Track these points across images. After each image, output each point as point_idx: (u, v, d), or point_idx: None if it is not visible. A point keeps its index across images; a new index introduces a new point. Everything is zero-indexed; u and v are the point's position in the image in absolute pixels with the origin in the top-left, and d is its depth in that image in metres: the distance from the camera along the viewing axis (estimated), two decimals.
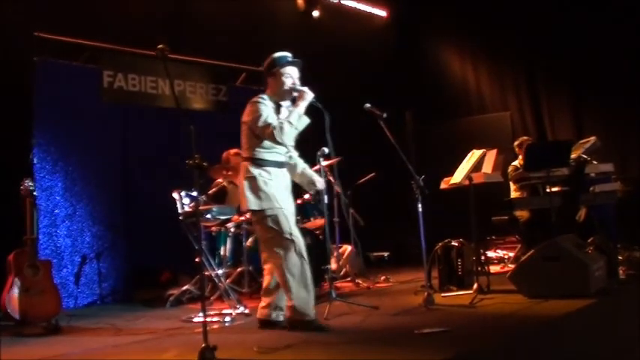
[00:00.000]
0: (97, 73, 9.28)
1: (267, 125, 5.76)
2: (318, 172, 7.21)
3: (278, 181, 5.93)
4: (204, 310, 4.61)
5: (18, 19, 8.40)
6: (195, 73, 10.44)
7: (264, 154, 5.91)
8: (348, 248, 9.38)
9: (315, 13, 12.41)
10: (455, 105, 13.57)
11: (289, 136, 5.84)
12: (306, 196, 8.58)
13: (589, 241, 7.42)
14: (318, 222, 8.59)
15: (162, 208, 8.21)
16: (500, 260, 10.43)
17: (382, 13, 13.84)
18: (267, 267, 6.03)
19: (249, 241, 8.31)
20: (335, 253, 8.97)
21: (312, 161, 7.29)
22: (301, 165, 6.36)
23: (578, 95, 12.18)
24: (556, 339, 5.35)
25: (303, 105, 5.95)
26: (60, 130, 8.74)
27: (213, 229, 8.35)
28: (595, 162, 8.67)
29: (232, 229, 8.36)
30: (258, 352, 4.79)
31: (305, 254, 5.79)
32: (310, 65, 11.83)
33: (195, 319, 6.61)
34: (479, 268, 7.63)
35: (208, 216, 7.77)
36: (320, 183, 6.43)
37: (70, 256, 8.65)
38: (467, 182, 7.55)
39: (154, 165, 9.24)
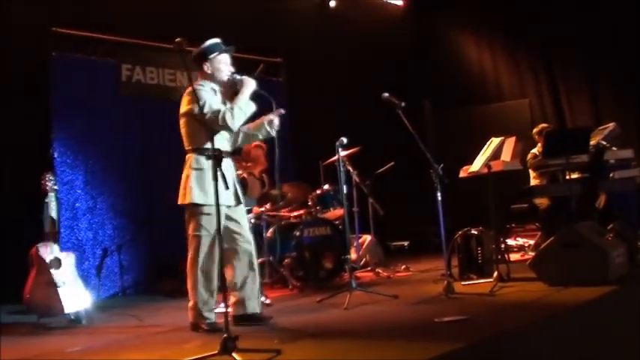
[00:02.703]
0: (115, 67, 9.33)
1: (217, 111, 5.67)
2: (336, 162, 7.25)
3: (225, 172, 5.85)
4: (225, 300, 4.64)
5: (35, 15, 8.44)
6: None
7: (211, 144, 5.68)
8: (367, 238, 9.41)
9: (332, 3, 12.39)
10: (473, 93, 13.52)
11: (239, 120, 5.76)
12: (326, 187, 8.61)
13: (609, 227, 7.38)
14: (337, 212, 8.61)
15: None
16: (521, 248, 10.41)
17: (399, 1, 13.80)
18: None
19: (270, 232, 8.35)
20: (355, 243, 8.99)
21: (329, 151, 7.33)
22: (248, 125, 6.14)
23: (596, 82, 12.14)
24: (577, 327, 5.34)
25: (247, 92, 5.87)
26: (79, 124, 8.81)
27: None
28: (614, 148, 8.62)
29: (252, 220, 8.38)
30: (279, 343, 4.80)
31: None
32: (327, 55, 11.91)
33: (217, 310, 6.65)
34: (499, 256, 7.62)
35: None
36: (273, 114, 6.17)
37: (91, 248, 8.73)
38: (485, 170, 7.53)
39: (173, 157, 9.22)
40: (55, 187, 6.90)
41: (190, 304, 5.74)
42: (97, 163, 8.89)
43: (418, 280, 8.35)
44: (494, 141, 7.69)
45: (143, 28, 9.41)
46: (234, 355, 4.19)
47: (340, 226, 8.40)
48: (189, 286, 5.75)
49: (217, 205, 4.72)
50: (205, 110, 5.63)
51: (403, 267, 9.32)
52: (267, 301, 6.88)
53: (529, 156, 9.86)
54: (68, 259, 6.86)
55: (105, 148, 8.99)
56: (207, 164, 5.64)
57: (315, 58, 11.66)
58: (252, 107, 5.87)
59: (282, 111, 6.18)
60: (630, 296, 6.31)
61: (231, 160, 6.04)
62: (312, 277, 8.12)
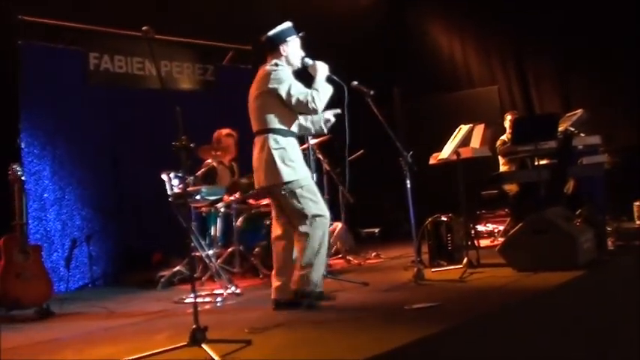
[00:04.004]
0: (83, 56, 9.25)
1: (304, 93, 5.70)
2: (306, 150, 7.23)
3: (300, 154, 5.87)
4: (194, 291, 4.62)
5: (1, 3, 8.33)
6: (181, 53, 10.41)
7: (288, 125, 5.81)
8: (338, 225, 9.40)
9: None
10: (443, 80, 13.55)
11: (322, 103, 5.78)
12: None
13: (577, 213, 7.44)
14: None
15: (151, 190, 8.17)
16: (490, 234, 10.46)
17: None
18: (282, 243, 5.89)
19: (240, 221, 8.32)
20: None
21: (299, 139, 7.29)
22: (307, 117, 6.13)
23: (565, 68, 12.21)
24: (546, 312, 5.38)
25: (323, 75, 5.90)
26: (47, 114, 8.73)
27: (203, 209, 8.35)
28: (582, 134, 8.68)
29: (222, 210, 8.36)
30: (248, 333, 4.80)
31: (328, 227, 5.79)
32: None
33: (187, 300, 6.63)
34: (468, 243, 7.66)
35: (198, 197, 7.75)
36: (329, 113, 6.19)
37: (60, 240, 8.66)
38: (455, 157, 7.57)
39: (142, 146, 9.23)
40: (23, 178, 6.83)
41: (304, 272, 5.67)
42: (64, 154, 8.82)
43: (388, 267, 8.37)
44: (463, 128, 7.71)
45: (111, 16, 9.31)
46: (203, 346, 4.18)
47: None
48: (303, 258, 5.68)
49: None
50: (293, 92, 5.70)
51: (374, 254, 9.34)
52: (238, 291, 6.86)
53: (498, 142, 9.93)
54: (36, 251, 6.81)
55: (73, 138, 8.92)
56: (285, 143, 5.73)
57: None
58: (330, 90, 5.91)
59: (339, 110, 6.17)
60: (598, 281, 6.37)
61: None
62: None
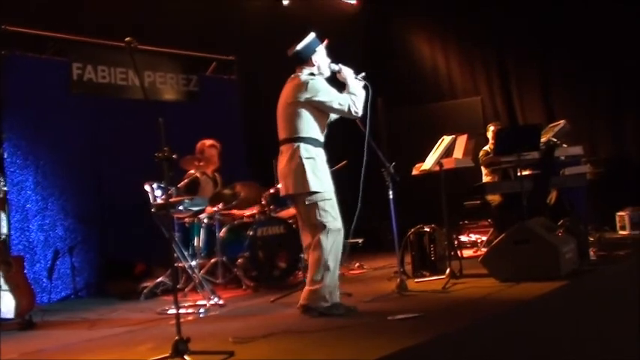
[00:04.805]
0: (66, 66, 9.21)
1: (345, 99, 5.83)
2: None
3: (327, 167, 5.92)
4: (176, 302, 4.61)
5: None
6: (165, 63, 10.39)
7: (317, 135, 5.87)
8: None
9: (285, 1, 12.33)
10: (426, 91, 13.57)
11: (361, 105, 5.92)
12: (279, 186, 8.58)
13: (560, 223, 7.48)
14: (291, 211, 8.58)
15: (134, 201, 8.14)
16: (473, 244, 10.50)
17: (352, 0, 13.79)
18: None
19: (223, 232, 8.31)
20: None
21: None
22: None
23: (548, 79, 12.28)
24: (528, 322, 5.40)
25: (352, 78, 6.02)
26: (30, 124, 8.68)
27: (186, 220, 8.33)
28: (565, 145, 8.74)
29: (205, 220, 8.35)
30: (233, 343, 4.80)
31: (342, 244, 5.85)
32: (280, 53, 11.81)
33: (170, 311, 6.61)
34: (451, 253, 7.69)
35: (180, 207, 7.73)
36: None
37: (42, 250, 8.60)
38: (437, 168, 7.59)
39: (126, 157, 9.19)
40: (5, 189, 6.80)
41: (314, 287, 5.72)
42: (47, 164, 8.77)
43: (372, 277, 8.38)
44: (446, 139, 7.75)
45: (94, 27, 9.29)
46: (185, 357, 4.17)
47: (294, 225, 8.38)
48: (314, 272, 5.74)
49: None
50: (333, 98, 5.83)
51: (357, 265, 9.35)
52: (221, 302, 6.84)
53: (481, 153, 9.97)
54: (18, 262, 6.78)
55: (56, 149, 8.87)
56: (315, 153, 5.79)
57: (267, 55, 11.61)
58: (363, 92, 6.03)
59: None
60: (580, 290, 6.40)
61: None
62: (265, 277, 8.09)
